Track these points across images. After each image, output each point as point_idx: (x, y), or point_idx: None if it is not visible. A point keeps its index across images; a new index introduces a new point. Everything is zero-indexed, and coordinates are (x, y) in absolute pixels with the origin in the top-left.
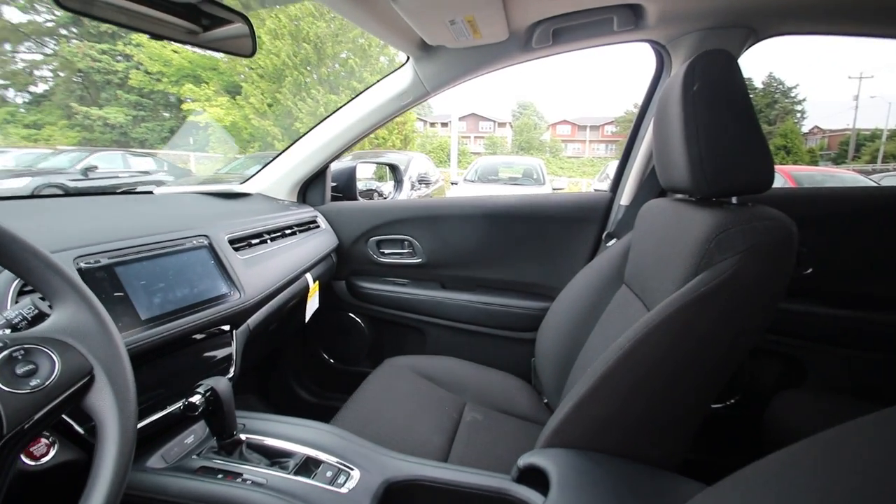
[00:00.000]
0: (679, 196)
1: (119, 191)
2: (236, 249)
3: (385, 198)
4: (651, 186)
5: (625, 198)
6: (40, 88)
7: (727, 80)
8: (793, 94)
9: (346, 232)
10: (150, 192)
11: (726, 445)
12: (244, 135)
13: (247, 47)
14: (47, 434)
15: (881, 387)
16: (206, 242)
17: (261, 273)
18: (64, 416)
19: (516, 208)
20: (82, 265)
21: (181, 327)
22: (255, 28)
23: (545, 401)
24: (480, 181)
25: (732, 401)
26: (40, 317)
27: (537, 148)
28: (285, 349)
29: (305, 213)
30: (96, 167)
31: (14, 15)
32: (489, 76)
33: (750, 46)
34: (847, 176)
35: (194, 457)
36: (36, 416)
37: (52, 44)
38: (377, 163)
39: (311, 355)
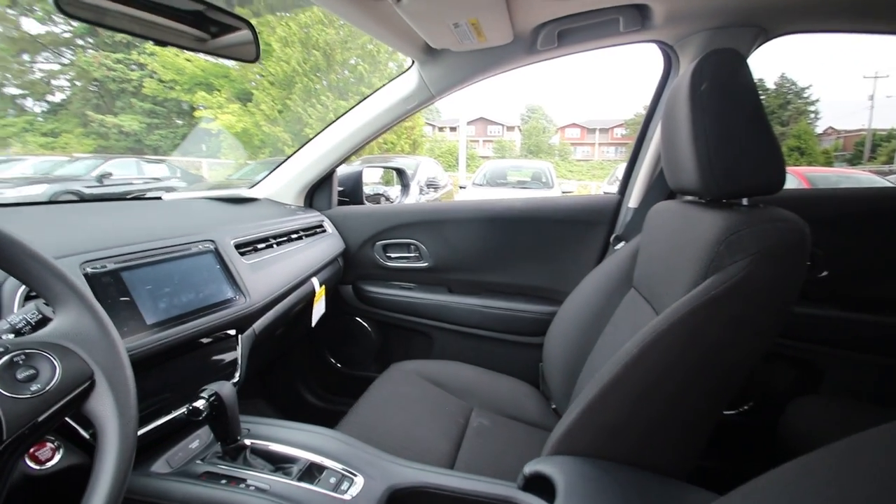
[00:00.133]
0: (688, 198)
1: (129, 197)
2: (242, 254)
3: (392, 202)
4: (660, 188)
5: (633, 200)
6: (58, 98)
7: (736, 80)
8: (806, 95)
9: (352, 236)
10: (159, 198)
11: (739, 453)
12: (255, 141)
13: (251, 53)
14: (52, 438)
15: None
16: (212, 247)
17: (266, 277)
18: (69, 420)
19: (523, 211)
20: (89, 270)
21: (186, 332)
22: (266, 36)
23: (553, 406)
24: (489, 185)
25: (746, 407)
26: (44, 321)
27: (546, 151)
28: (293, 354)
29: (312, 217)
30: (111, 174)
31: (33, 26)
32: (497, 80)
33: (760, 45)
34: (863, 177)
35: (198, 462)
36: (36, 421)
37: (69, 54)
38: (384, 167)
39: (318, 360)
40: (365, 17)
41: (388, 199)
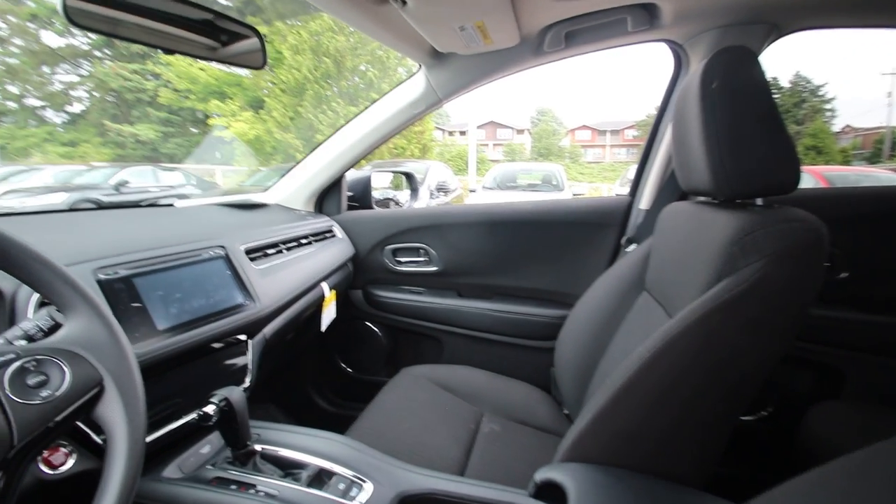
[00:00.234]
0: (701, 199)
1: (143, 204)
2: (252, 259)
3: (401, 206)
4: (671, 189)
5: (644, 202)
6: (76, 108)
7: (748, 77)
8: (821, 93)
9: (362, 241)
10: (171, 205)
11: (758, 459)
12: (267, 148)
13: (258, 60)
14: (65, 443)
15: None
16: (222, 253)
17: (276, 283)
18: (81, 425)
19: (533, 214)
20: (101, 277)
21: (197, 337)
22: (277, 44)
23: (565, 412)
24: (499, 188)
25: (765, 412)
26: (56, 328)
27: (556, 154)
28: (304, 358)
29: (321, 222)
30: (128, 182)
31: (53, 39)
32: (506, 84)
33: (772, 42)
34: (883, 175)
35: (209, 467)
36: (46, 427)
37: (87, 65)
38: (393, 171)
39: (328, 364)
40: (371, 23)
41: (397, 203)
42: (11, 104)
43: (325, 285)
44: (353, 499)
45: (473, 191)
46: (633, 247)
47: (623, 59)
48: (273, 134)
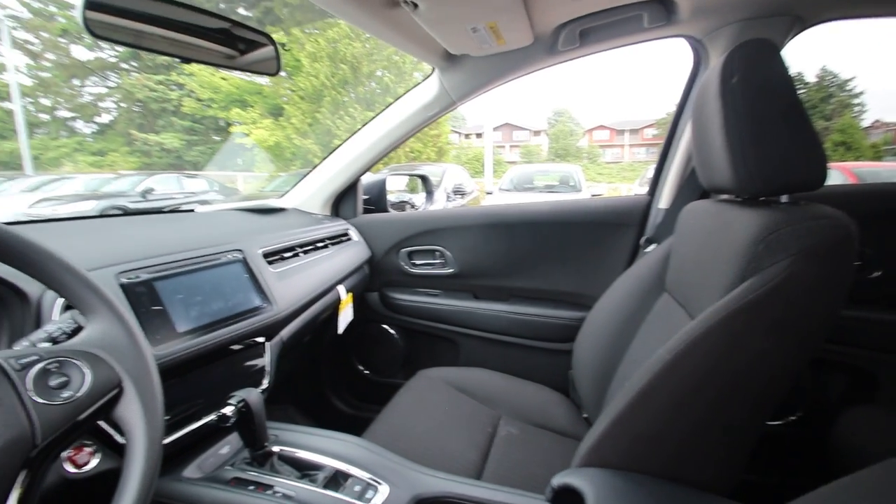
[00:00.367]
0: (723, 197)
1: (166, 210)
2: (270, 263)
3: (417, 209)
4: (692, 188)
5: (663, 201)
6: (105, 119)
7: (770, 71)
8: (850, 87)
9: (377, 243)
10: (192, 210)
11: (787, 466)
12: (287, 154)
13: (273, 67)
14: (90, 443)
15: None
16: (240, 257)
17: (293, 286)
18: (105, 426)
19: (549, 215)
20: (124, 281)
21: (216, 339)
22: (295, 52)
23: (585, 415)
24: (516, 190)
25: (794, 417)
26: (79, 330)
27: (574, 155)
28: (321, 361)
29: (337, 226)
30: (153, 189)
31: (82, 53)
32: (522, 85)
33: (795, 35)
34: None
35: (228, 467)
36: (68, 427)
37: (114, 77)
38: (408, 174)
39: (346, 367)
40: (384, 27)
41: (413, 206)
42: (44, 116)
43: (341, 288)
44: (368, 501)
45: (490, 193)
46: (652, 247)
47: (641, 55)
48: (292, 140)
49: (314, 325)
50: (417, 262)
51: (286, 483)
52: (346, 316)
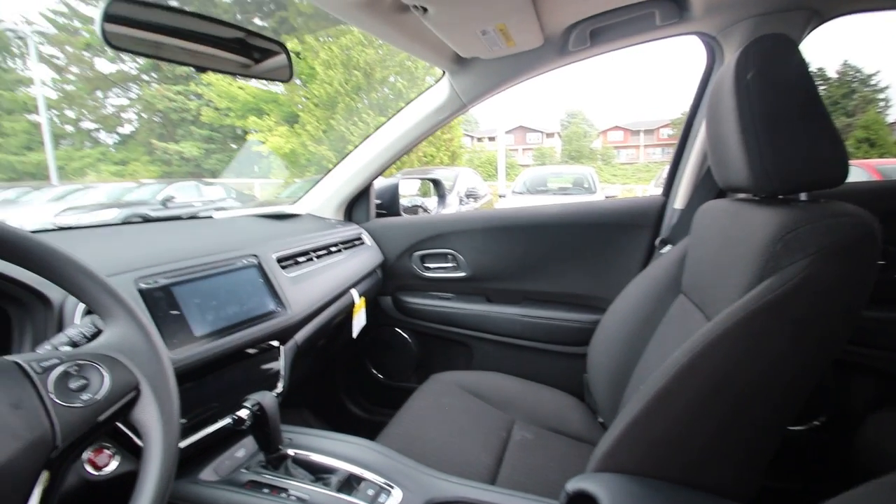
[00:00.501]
0: (740, 196)
1: (184, 216)
2: (284, 268)
3: (430, 213)
4: (707, 187)
5: (679, 201)
6: (126, 129)
7: (786, 66)
8: (873, 82)
9: (390, 247)
10: (210, 217)
11: (811, 472)
12: (302, 160)
13: (286, 74)
14: (109, 445)
15: None
16: (255, 262)
17: (307, 290)
18: (124, 429)
19: (561, 217)
20: (142, 286)
21: (232, 343)
22: (310, 60)
23: (600, 420)
24: (529, 193)
25: (818, 422)
26: (98, 335)
27: (588, 156)
28: (336, 365)
29: (350, 230)
30: (173, 197)
31: (105, 66)
32: (535, 88)
33: (812, 30)
34: None
35: (243, 470)
36: (87, 428)
37: (135, 89)
38: (420, 178)
39: (359, 371)
40: (395, 32)
41: (425, 210)
42: (69, 128)
43: (354, 292)
44: None
45: (503, 196)
46: (667, 248)
47: (656, 53)
48: (307, 147)
49: (328, 329)
50: (430, 265)
51: (300, 486)
52: (359, 320)
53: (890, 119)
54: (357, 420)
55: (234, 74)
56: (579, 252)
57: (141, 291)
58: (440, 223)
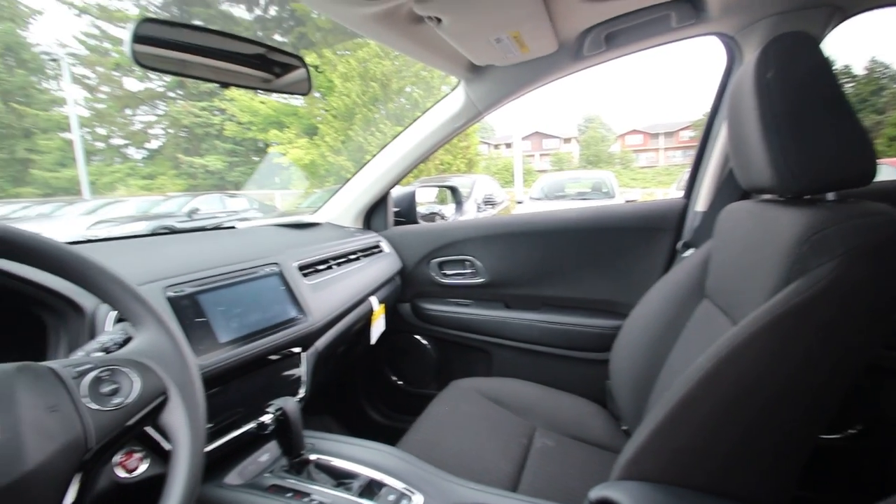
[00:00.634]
0: (765, 197)
1: (209, 227)
2: (305, 275)
3: (446, 220)
4: (730, 189)
5: (700, 203)
6: (154, 144)
7: (807, 63)
8: None
9: (408, 255)
10: (233, 227)
11: (846, 483)
12: (321, 171)
13: (305, 87)
14: (139, 449)
15: None
16: (277, 270)
17: (327, 297)
18: (153, 433)
19: (580, 221)
20: (170, 294)
21: (255, 350)
22: (328, 73)
23: (624, 428)
24: (547, 198)
25: (854, 430)
26: (129, 341)
27: (606, 161)
28: (356, 371)
29: (369, 238)
30: (198, 209)
31: (133, 84)
32: (551, 94)
33: (835, 27)
34: None
35: (267, 475)
36: (118, 432)
37: (162, 105)
38: (437, 186)
39: (379, 377)
40: (410, 43)
41: (442, 217)
42: (100, 144)
43: (373, 299)
44: None
45: (520, 202)
46: (690, 251)
47: (673, 55)
48: (326, 157)
49: (348, 335)
50: (448, 272)
51: (323, 491)
52: (378, 327)
53: None
54: (377, 426)
55: (255, 89)
56: (599, 257)
57: (169, 299)
58: (458, 230)
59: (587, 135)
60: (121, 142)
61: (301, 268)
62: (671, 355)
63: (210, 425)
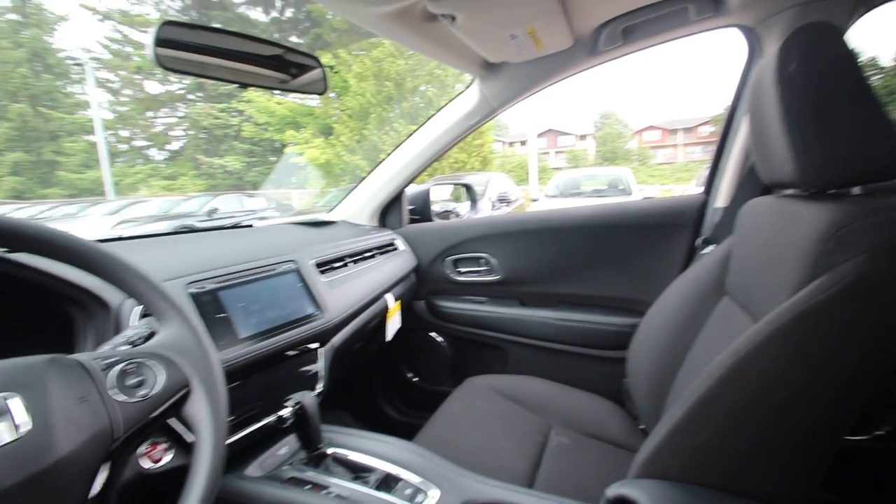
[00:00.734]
0: (788, 192)
1: (228, 226)
2: (321, 272)
3: (461, 218)
4: (751, 184)
5: (721, 199)
6: (175, 146)
7: (831, 54)
8: None
9: (423, 252)
10: (251, 226)
11: (873, 485)
12: (336, 170)
13: (321, 87)
14: (164, 440)
15: None
16: (294, 267)
17: (343, 294)
18: (177, 424)
19: (597, 218)
20: (192, 290)
21: (273, 345)
22: (343, 73)
23: (642, 427)
24: (562, 196)
25: (881, 432)
26: (153, 335)
27: (623, 157)
28: (372, 368)
29: (384, 236)
30: (218, 209)
31: (154, 87)
32: (565, 91)
33: (860, 17)
34: None
35: (286, 467)
36: (143, 422)
37: (182, 108)
38: (452, 183)
39: (395, 374)
40: (424, 42)
41: (457, 215)
42: (123, 146)
43: (389, 296)
44: None
45: (535, 200)
46: (710, 248)
47: (691, 49)
48: (341, 157)
49: (364, 332)
50: (463, 269)
51: (340, 484)
52: (393, 323)
53: None
54: (393, 422)
55: (273, 89)
56: (615, 254)
57: (191, 295)
58: (472, 227)
59: (603, 131)
60: (143, 143)
61: (318, 265)
62: (690, 353)
63: (231, 418)
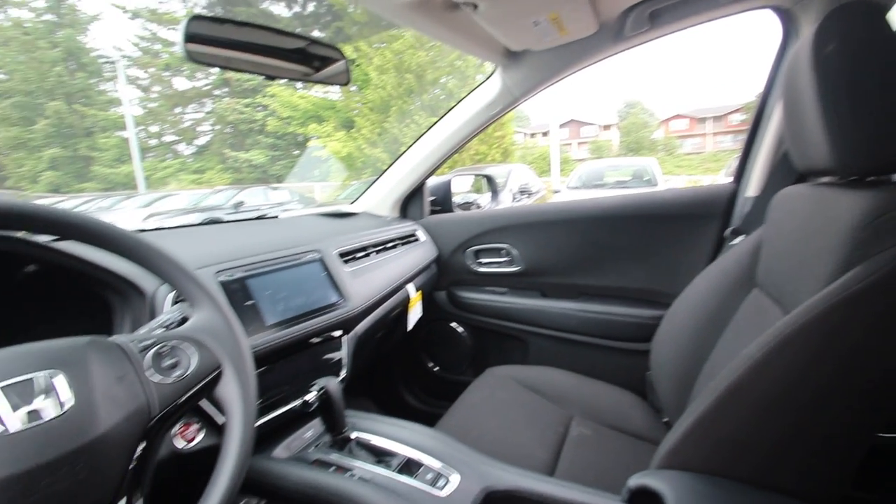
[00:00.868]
0: (823, 180)
1: (254, 217)
2: (345, 262)
3: (482, 209)
4: (784, 172)
5: (752, 188)
6: (202, 141)
7: (873, 35)
8: None
9: (444, 243)
10: (276, 217)
11: None
12: (358, 163)
13: (344, 79)
14: (197, 420)
15: None
16: (318, 256)
17: (366, 284)
18: (208, 405)
19: (621, 208)
20: (222, 279)
21: (299, 332)
22: (364, 66)
23: (665, 420)
24: (585, 187)
25: None
26: (186, 320)
27: (648, 147)
28: (394, 357)
29: (406, 227)
30: (244, 202)
31: (182, 83)
32: (588, 80)
33: None
34: None
35: (311, 450)
36: (178, 402)
37: (209, 103)
38: (473, 174)
39: (416, 363)
40: (446, 30)
41: (478, 206)
42: (153, 141)
43: (410, 286)
44: (440, 489)
45: (557, 191)
46: (739, 238)
47: (722, 33)
48: (363, 150)
49: (386, 321)
50: (484, 260)
51: (363, 467)
52: (415, 313)
53: None
54: (414, 410)
55: (297, 81)
56: (640, 245)
57: (221, 283)
58: (494, 218)
59: (628, 121)
60: (172, 139)
61: (341, 255)
62: (717, 346)
63: (259, 401)
